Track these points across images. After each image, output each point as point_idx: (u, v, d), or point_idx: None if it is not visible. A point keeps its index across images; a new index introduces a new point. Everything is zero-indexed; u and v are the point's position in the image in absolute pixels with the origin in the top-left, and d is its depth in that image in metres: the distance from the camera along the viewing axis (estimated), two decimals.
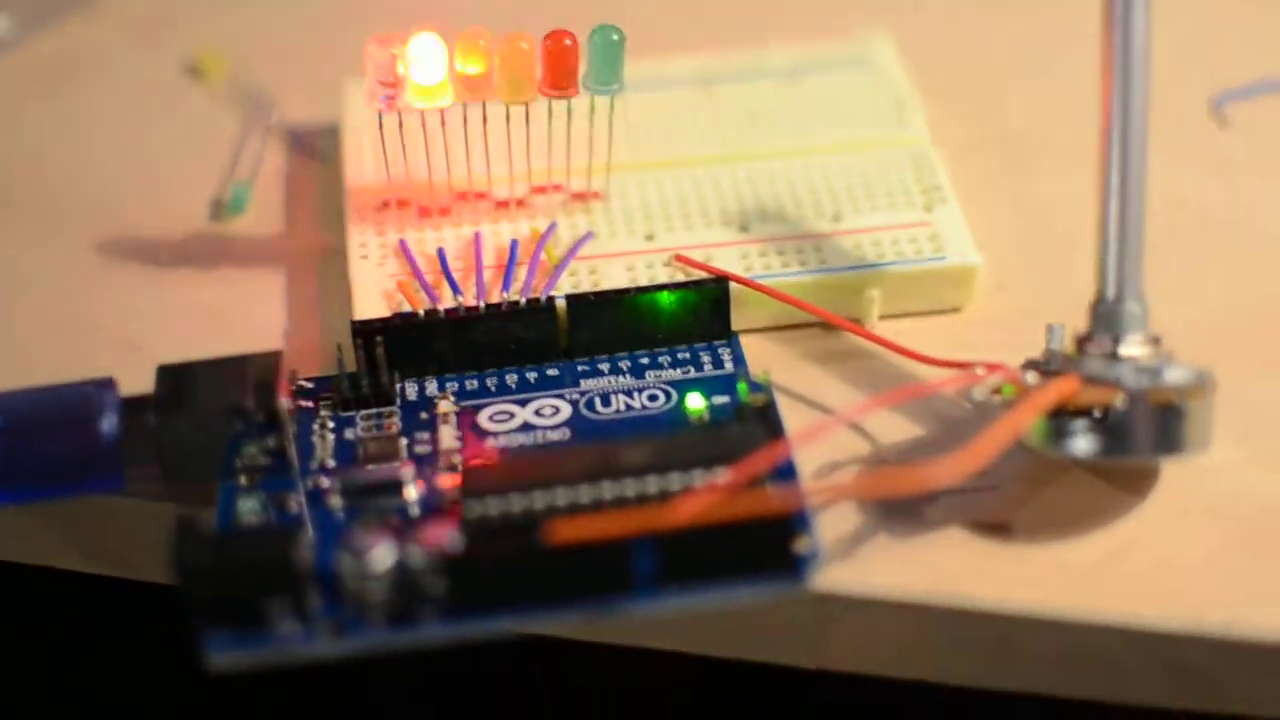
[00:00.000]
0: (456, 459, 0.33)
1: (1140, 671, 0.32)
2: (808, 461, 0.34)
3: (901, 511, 0.33)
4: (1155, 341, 0.33)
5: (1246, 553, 0.33)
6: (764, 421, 0.33)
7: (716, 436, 0.32)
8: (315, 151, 0.42)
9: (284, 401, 0.33)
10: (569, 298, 0.36)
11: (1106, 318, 0.32)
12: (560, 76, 0.36)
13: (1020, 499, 0.33)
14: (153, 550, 0.35)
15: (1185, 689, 0.32)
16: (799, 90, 0.41)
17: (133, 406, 0.34)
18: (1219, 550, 0.33)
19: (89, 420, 0.33)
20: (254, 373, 0.34)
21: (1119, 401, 0.31)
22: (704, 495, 0.30)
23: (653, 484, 0.31)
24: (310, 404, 0.35)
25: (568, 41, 0.36)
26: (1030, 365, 0.33)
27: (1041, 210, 0.40)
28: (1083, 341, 0.33)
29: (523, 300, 0.36)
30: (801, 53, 0.42)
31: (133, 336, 0.38)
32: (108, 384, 0.34)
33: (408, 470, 0.33)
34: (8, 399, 0.34)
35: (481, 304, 0.35)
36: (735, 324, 0.36)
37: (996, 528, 0.33)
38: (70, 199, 0.42)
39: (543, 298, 0.36)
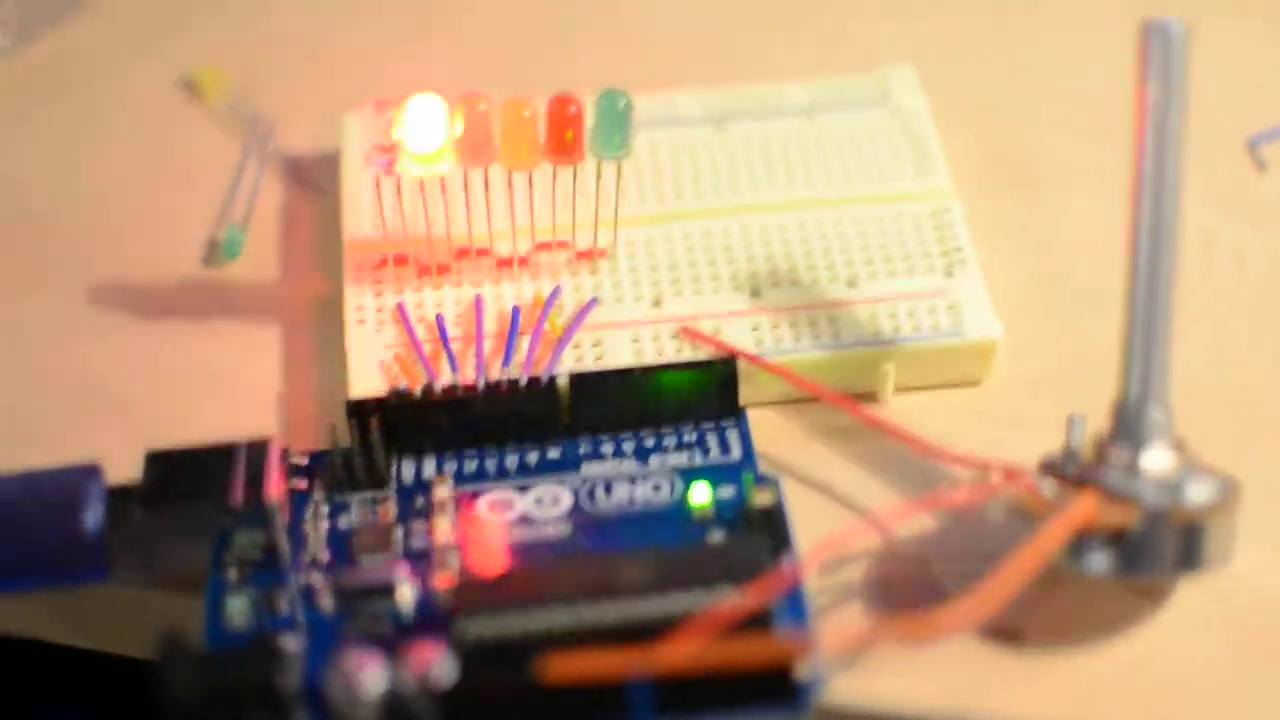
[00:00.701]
0: (452, 558, 0.33)
1: None
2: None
3: (906, 613, 0.33)
4: (1179, 447, 0.32)
5: (1273, 665, 0.32)
6: (770, 528, 0.33)
7: (721, 553, 0.31)
8: (313, 184, 0.41)
9: (274, 498, 0.33)
10: (572, 377, 0.35)
11: (1127, 423, 0.32)
12: (564, 144, 0.35)
13: (1032, 604, 0.33)
14: (142, 630, 0.35)
15: None
16: (816, 130, 0.40)
17: (119, 497, 0.33)
18: (1242, 663, 0.32)
19: (73, 512, 0.33)
20: (245, 462, 0.33)
21: (1137, 522, 0.30)
22: (704, 629, 0.29)
23: (654, 606, 0.30)
24: (304, 484, 0.35)
25: (572, 109, 0.35)
26: (1048, 468, 0.32)
27: (1065, 261, 0.39)
28: (1103, 446, 0.32)
29: (524, 379, 0.35)
30: (819, 87, 0.41)
31: (121, 395, 0.38)
32: (92, 473, 0.33)
33: (401, 570, 0.33)
34: None
35: (481, 382, 0.35)
36: (744, 396, 0.35)
37: (1008, 634, 0.33)
38: (59, 232, 0.41)
39: (544, 377, 0.35)
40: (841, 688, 0.32)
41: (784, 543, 0.32)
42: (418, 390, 0.35)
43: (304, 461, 0.35)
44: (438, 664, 0.30)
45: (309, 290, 0.39)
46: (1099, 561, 0.31)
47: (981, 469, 0.33)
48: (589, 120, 0.36)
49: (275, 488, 0.33)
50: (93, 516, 0.33)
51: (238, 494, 0.33)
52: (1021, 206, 0.40)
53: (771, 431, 0.36)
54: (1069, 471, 0.32)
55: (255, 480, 0.33)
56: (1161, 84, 0.30)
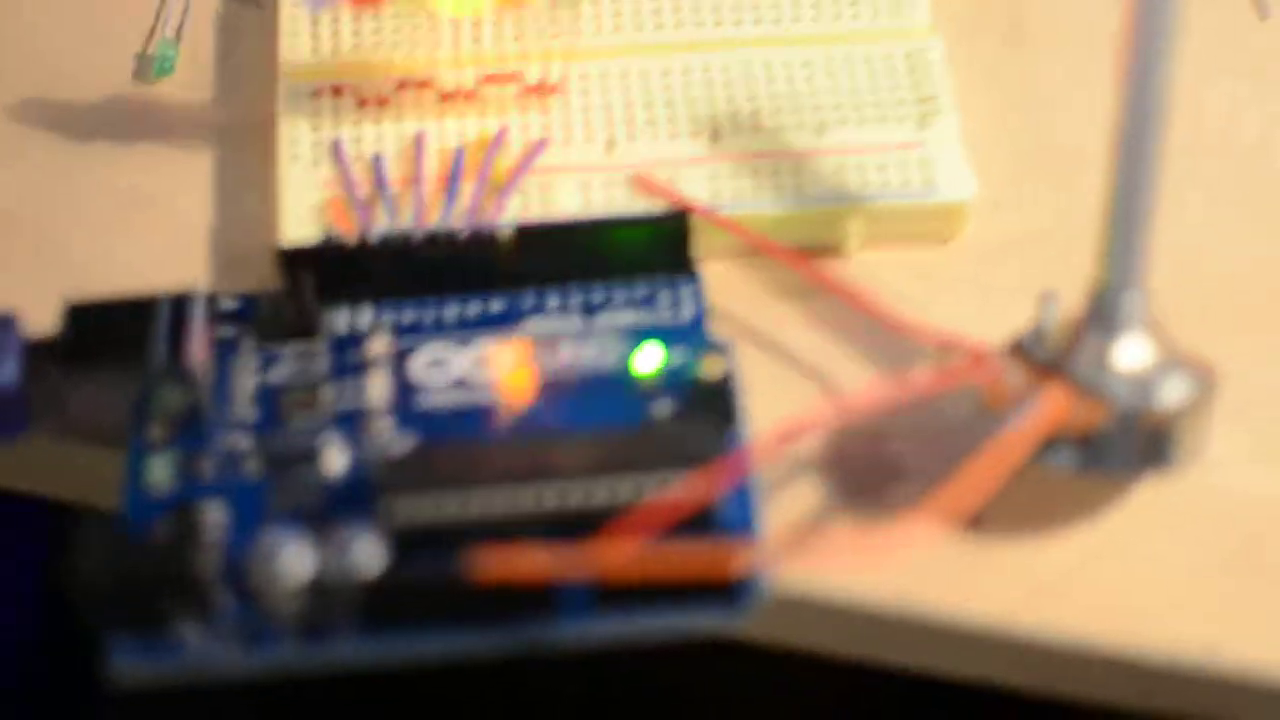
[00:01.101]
0: (386, 422, 0.32)
1: (1108, 687, 0.31)
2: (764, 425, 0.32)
3: (860, 494, 0.32)
4: (1157, 335, 0.30)
5: (1237, 568, 0.31)
6: (719, 401, 0.31)
7: (666, 436, 0.30)
8: None
9: (196, 362, 0.31)
10: (517, 230, 0.33)
11: (1101, 310, 0.30)
12: None
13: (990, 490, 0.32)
14: (64, 477, 0.34)
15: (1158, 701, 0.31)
16: None
17: (36, 351, 0.32)
18: (1206, 555, 0.31)
19: None
20: (169, 317, 0.32)
21: (1106, 421, 0.29)
22: (642, 526, 0.28)
23: (594, 491, 0.29)
24: (232, 332, 0.33)
25: None
26: (1017, 351, 0.31)
27: (1049, 115, 0.37)
28: (1075, 331, 0.31)
29: (464, 231, 0.33)
30: None
31: (40, 225, 0.36)
32: (7, 324, 0.32)
33: (331, 435, 0.31)
34: None
35: (419, 232, 0.33)
36: (702, 248, 0.34)
37: (965, 521, 0.32)
38: None
39: (486, 229, 0.33)
40: (787, 576, 0.31)
41: (732, 419, 0.31)
42: (352, 239, 0.33)
43: (234, 306, 0.34)
44: (364, 548, 0.29)
45: (244, 113, 0.37)
46: (1063, 456, 0.30)
47: (947, 347, 0.32)
48: None
49: (199, 349, 0.32)
50: (7, 371, 0.31)
51: (160, 353, 0.31)
52: (1006, 50, 0.38)
53: (729, 286, 0.35)
54: (1038, 355, 0.31)
55: (179, 338, 0.32)
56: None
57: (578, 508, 0.29)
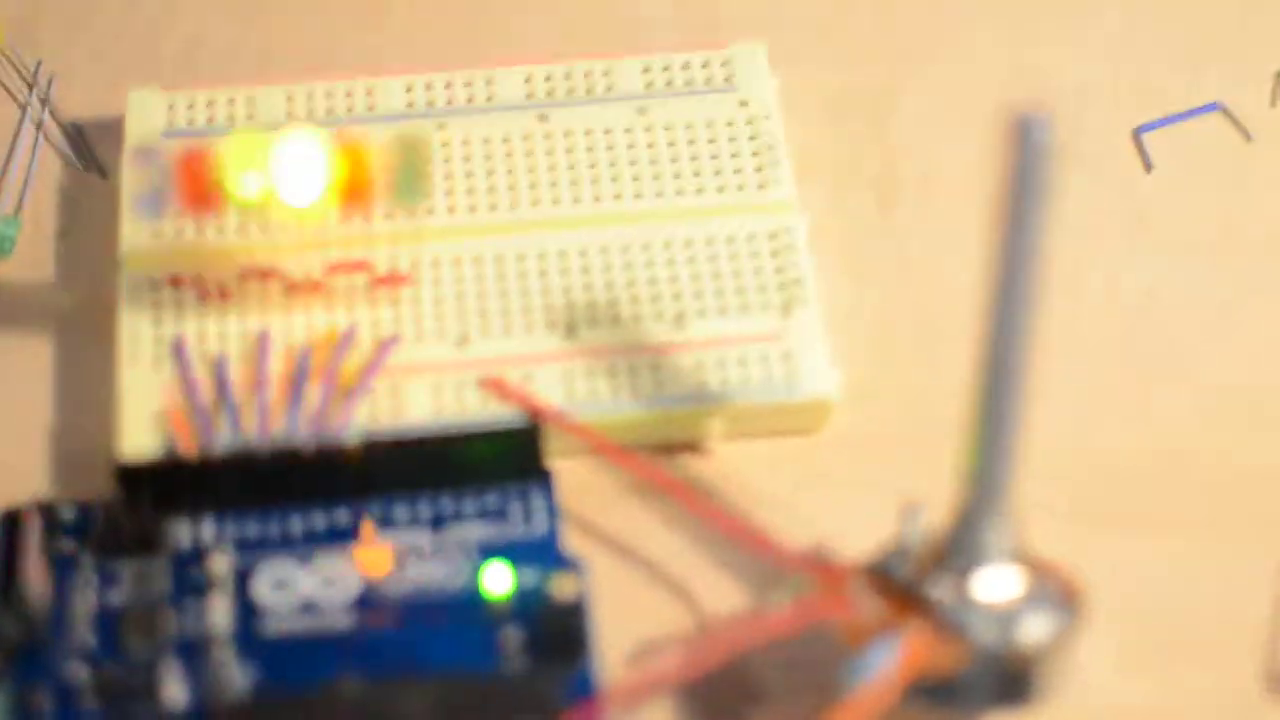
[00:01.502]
0: (227, 651, 0.31)
1: None
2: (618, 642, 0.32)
3: (720, 717, 0.32)
4: (1023, 562, 0.30)
5: None
6: (569, 631, 0.31)
7: (513, 690, 0.30)
8: (95, 162, 0.38)
9: (34, 581, 0.31)
10: (363, 444, 0.33)
11: (962, 540, 0.30)
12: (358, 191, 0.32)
13: None
14: None
15: None
16: (650, 120, 0.37)
17: None
18: None
19: None
20: (3, 536, 0.31)
21: (966, 664, 0.29)
22: None
23: None
24: (71, 547, 0.33)
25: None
26: (877, 574, 0.30)
27: (922, 289, 0.37)
28: (935, 556, 0.30)
29: (309, 445, 0.33)
30: (658, 64, 0.38)
31: None
32: None
33: (170, 669, 0.31)
34: None
35: (264, 445, 0.33)
36: (555, 447, 0.33)
37: None
38: None
39: (331, 443, 0.33)
40: None
41: (581, 653, 0.31)
42: (193, 454, 0.33)
43: (72, 516, 0.33)
44: None
45: (86, 296, 0.37)
46: (918, 696, 0.30)
47: (804, 570, 0.31)
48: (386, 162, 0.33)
49: (35, 574, 0.31)
50: None
51: None
52: (875, 219, 0.38)
53: (584, 486, 0.34)
54: (898, 576, 0.30)
55: (13, 561, 0.31)
56: (1023, 197, 0.27)
57: None
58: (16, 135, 0.39)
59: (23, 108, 0.39)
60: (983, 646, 0.29)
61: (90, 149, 0.38)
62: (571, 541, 0.33)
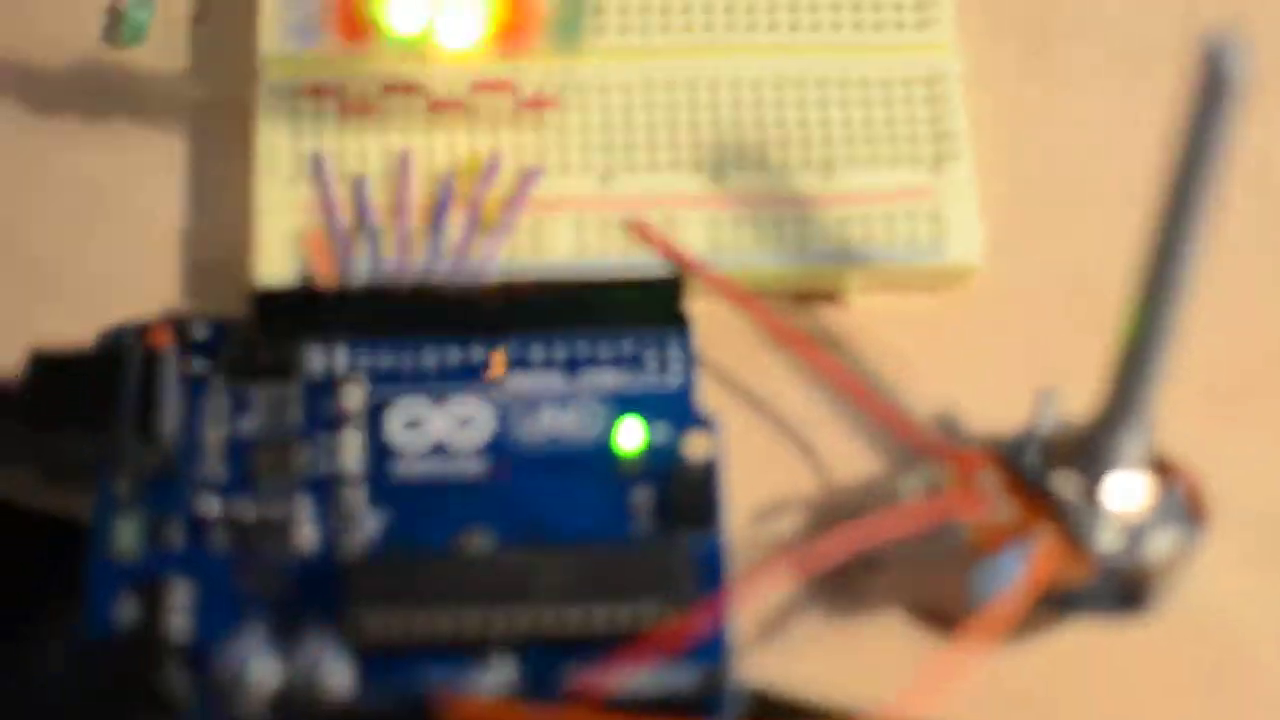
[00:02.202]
0: (358, 501, 0.32)
1: None
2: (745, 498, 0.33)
3: (836, 592, 0.33)
4: (1156, 470, 0.31)
5: (1217, 685, 0.33)
6: (700, 498, 0.32)
7: (643, 563, 0.31)
8: None
9: (169, 421, 0.32)
10: (503, 285, 0.33)
11: (1097, 445, 0.30)
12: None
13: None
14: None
15: None
16: None
17: (4, 401, 0.32)
18: (1185, 681, 0.33)
19: None
20: (138, 376, 0.32)
21: (1090, 575, 0.30)
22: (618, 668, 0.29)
23: (567, 620, 0.30)
24: (203, 368, 0.34)
25: None
26: (1006, 463, 0.31)
27: (1081, 147, 0.37)
28: (1067, 452, 0.31)
29: (450, 283, 0.33)
30: None
31: (5, 219, 0.36)
32: None
33: (301, 507, 0.32)
34: None
35: (402, 282, 0.33)
36: (696, 286, 0.34)
37: (944, 619, 0.33)
38: None
39: (471, 282, 0.33)
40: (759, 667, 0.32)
41: (712, 517, 0.32)
42: (331, 285, 0.33)
43: (206, 335, 0.34)
44: (332, 669, 0.30)
45: (219, 91, 0.37)
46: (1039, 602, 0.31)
47: (932, 450, 0.32)
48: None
49: (170, 403, 0.32)
50: None
51: (130, 416, 0.32)
52: (1033, 62, 0.38)
53: (721, 332, 0.35)
54: (1029, 467, 0.31)
55: (150, 395, 0.32)
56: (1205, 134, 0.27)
57: (550, 635, 0.30)
58: None
59: None
60: (1107, 558, 0.30)
61: None
62: (705, 388, 0.34)
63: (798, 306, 0.35)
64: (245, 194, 0.35)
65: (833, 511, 0.33)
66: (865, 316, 0.35)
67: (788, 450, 0.34)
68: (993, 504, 0.31)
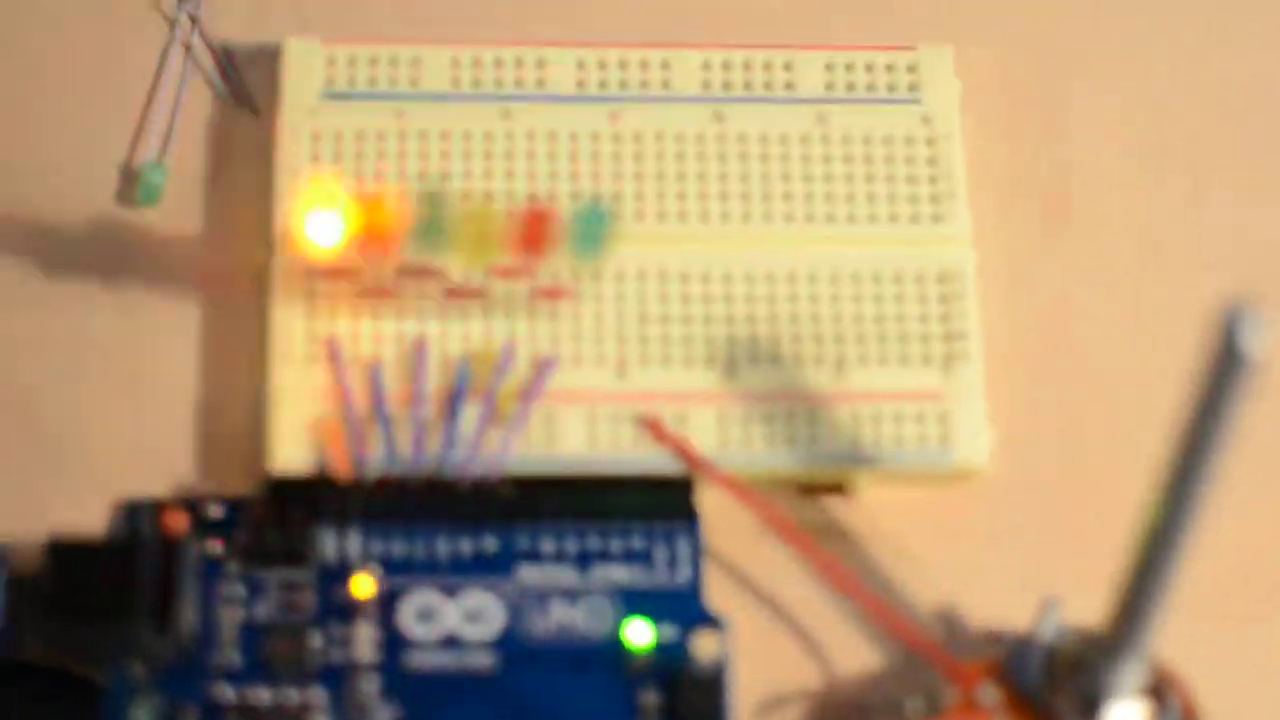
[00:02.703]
0: (372, 693, 0.34)
1: None
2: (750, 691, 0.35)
3: None
4: (1154, 687, 0.33)
5: None
6: (708, 703, 0.34)
7: None
8: (247, 97, 0.39)
9: (187, 612, 0.33)
10: (518, 486, 0.35)
11: (1097, 669, 0.32)
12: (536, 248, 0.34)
13: None
14: None
15: None
16: (828, 129, 0.38)
17: (23, 588, 0.34)
18: None
19: None
20: (153, 569, 0.34)
21: None
22: None
23: None
24: (218, 547, 0.35)
25: (546, 224, 0.34)
26: (1006, 673, 0.33)
27: (1090, 337, 0.39)
28: (1067, 670, 0.33)
29: (464, 480, 0.35)
30: (841, 62, 0.39)
31: (20, 384, 0.37)
32: None
33: (315, 700, 0.34)
34: None
35: (416, 475, 0.35)
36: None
37: None
38: None
39: (487, 480, 0.35)
40: None
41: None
42: (346, 474, 0.35)
43: (220, 514, 0.36)
44: None
45: (237, 255, 0.38)
46: None
47: (933, 658, 0.34)
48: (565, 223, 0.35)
49: (188, 606, 0.34)
50: None
51: (144, 614, 0.33)
52: (1047, 256, 0.39)
53: (725, 523, 0.36)
54: (1028, 679, 0.33)
55: (167, 594, 0.34)
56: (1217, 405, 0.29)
57: None
58: (163, 60, 0.40)
59: (172, 24, 0.40)
60: None
61: (240, 79, 0.39)
62: (712, 579, 0.36)
63: (805, 498, 0.37)
64: (259, 363, 0.37)
65: (835, 709, 0.35)
66: (872, 509, 0.37)
67: (793, 642, 0.36)
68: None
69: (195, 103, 0.40)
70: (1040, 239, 0.39)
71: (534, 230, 0.34)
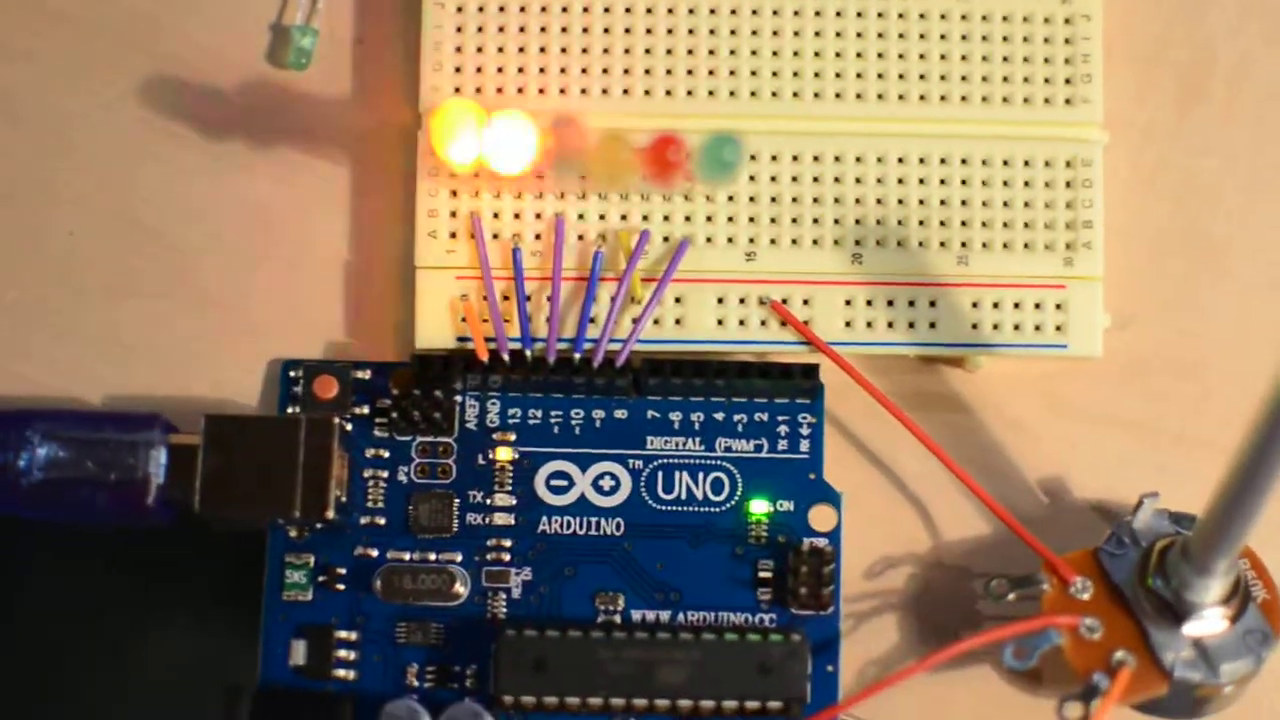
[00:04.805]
0: (504, 554, 0.42)
1: None
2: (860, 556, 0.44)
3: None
4: (1237, 595, 0.40)
5: None
6: (820, 574, 0.42)
7: (763, 664, 0.41)
8: None
9: (337, 485, 0.41)
10: (647, 364, 0.43)
11: (1186, 575, 0.40)
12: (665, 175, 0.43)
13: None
14: None
15: None
16: (970, 6, 0.45)
17: (182, 455, 0.42)
18: None
19: (137, 484, 0.43)
20: (306, 447, 0.43)
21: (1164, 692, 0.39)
22: None
23: (691, 708, 0.41)
24: (365, 409, 0.44)
25: (672, 154, 0.43)
26: (1098, 565, 0.40)
27: (1208, 214, 0.46)
28: (1157, 564, 0.40)
29: (597, 358, 0.43)
30: None
31: (179, 242, 0.46)
32: (158, 438, 0.43)
33: (455, 565, 0.42)
34: (54, 434, 0.41)
35: (553, 353, 0.43)
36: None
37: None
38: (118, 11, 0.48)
39: (619, 359, 0.43)
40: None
41: (833, 595, 0.43)
42: (485, 350, 0.42)
43: (367, 375, 0.44)
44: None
45: (382, 119, 0.47)
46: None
47: (1035, 549, 0.41)
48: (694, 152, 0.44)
49: (339, 466, 0.42)
50: (155, 497, 0.43)
51: (295, 486, 0.41)
52: (1177, 137, 0.47)
53: (846, 391, 0.45)
54: (1117, 573, 0.41)
55: (316, 467, 0.42)
56: None
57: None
58: None
59: None
60: (1181, 682, 0.40)
61: None
62: (831, 445, 0.45)
63: (925, 368, 0.44)
64: (407, 227, 0.45)
65: (941, 573, 0.42)
66: (990, 381, 0.45)
67: (904, 513, 0.45)
68: (1086, 614, 0.40)
69: None
70: (1172, 121, 0.46)
71: (664, 157, 0.42)
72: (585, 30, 0.46)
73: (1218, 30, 0.48)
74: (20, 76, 0.48)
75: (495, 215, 0.45)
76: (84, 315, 0.47)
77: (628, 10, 0.46)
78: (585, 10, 0.46)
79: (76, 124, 0.47)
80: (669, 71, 0.45)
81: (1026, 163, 0.46)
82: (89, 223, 0.47)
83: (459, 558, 0.44)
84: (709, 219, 0.45)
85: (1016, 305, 0.45)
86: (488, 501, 0.45)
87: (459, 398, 0.45)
